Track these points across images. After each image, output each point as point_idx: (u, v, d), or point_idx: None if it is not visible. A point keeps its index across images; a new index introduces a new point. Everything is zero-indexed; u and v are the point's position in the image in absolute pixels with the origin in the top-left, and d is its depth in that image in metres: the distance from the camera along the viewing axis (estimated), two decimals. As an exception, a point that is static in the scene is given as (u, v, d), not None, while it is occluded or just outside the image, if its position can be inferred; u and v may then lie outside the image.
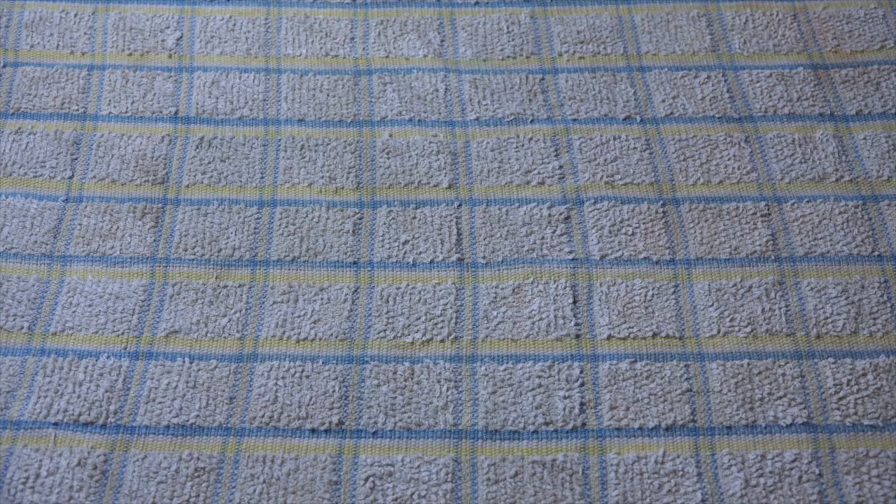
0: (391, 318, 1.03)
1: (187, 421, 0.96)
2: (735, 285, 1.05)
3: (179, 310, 1.03)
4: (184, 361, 1.00)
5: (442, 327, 1.02)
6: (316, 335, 1.02)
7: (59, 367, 0.99)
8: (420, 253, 1.08)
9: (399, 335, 1.02)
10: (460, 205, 1.11)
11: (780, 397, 0.97)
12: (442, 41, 1.25)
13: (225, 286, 1.05)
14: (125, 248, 1.08)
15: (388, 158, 1.15)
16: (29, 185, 1.12)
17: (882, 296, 1.04)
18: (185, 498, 0.91)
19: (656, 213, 1.10)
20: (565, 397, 0.98)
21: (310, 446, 0.95)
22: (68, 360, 1.00)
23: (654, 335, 1.02)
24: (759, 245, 1.08)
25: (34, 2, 1.29)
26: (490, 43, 1.25)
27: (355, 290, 1.05)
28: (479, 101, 1.20)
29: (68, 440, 0.95)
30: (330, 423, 0.96)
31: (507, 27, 1.27)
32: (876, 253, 1.07)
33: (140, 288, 1.05)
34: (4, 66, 1.23)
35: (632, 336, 1.02)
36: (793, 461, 0.93)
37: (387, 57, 1.24)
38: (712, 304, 1.03)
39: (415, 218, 1.10)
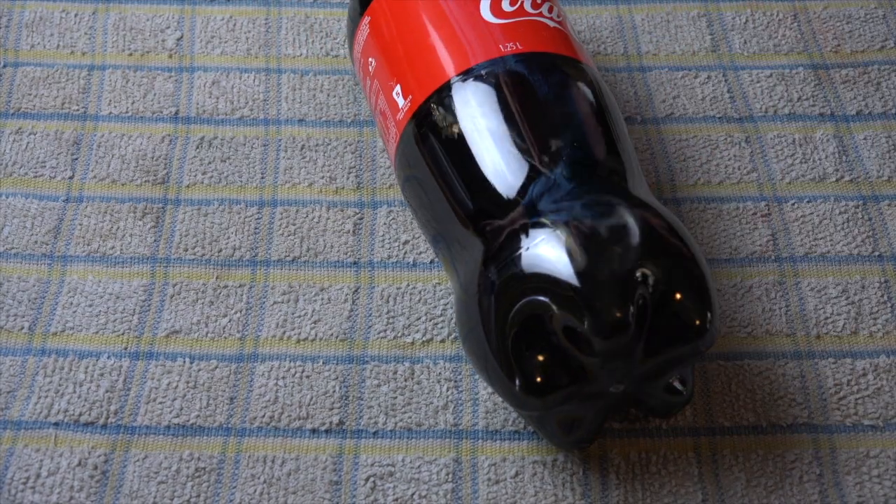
0: (391, 318, 1.03)
1: (188, 421, 0.96)
2: (735, 285, 1.05)
3: (180, 310, 1.03)
4: (184, 361, 1.00)
5: (442, 327, 1.02)
6: (316, 335, 1.02)
7: (60, 368, 0.99)
8: (420, 253, 1.08)
9: (399, 335, 1.02)
10: (460, 205, 1.11)
11: (780, 397, 0.97)
12: (442, 41, 1.25)
13: (225, 286, 1.05)
14: (125, 248, 1.08)
15: (389, 158, 1.15)
16: (29, 185, 1.12)
17: (882, 296, 1.04)
18: (185, 498, 0.91)
19: (656, 213, 1.10)
20: (566, 397, 0.98)
21: (310, 446, 0.95)
22: (69, 360, 1.00)
23: (655, 335, 1.02)
24: (759, 245, 1.08)
25: (34, 2, 1.29)
26: (490, 43, 1.25)
27: (355, 290, 1.05)
28: (479, 101, 1.20)
29: (69, 440, 0.95)
30: (330, 423, 0.96)
31: (508, 27, 1.27)
32: (876, 253, 1.07)
33: (140, 288, 1.05)
34: (4, 66, 1.23)
35: (632, 336, 1.02)
36: (793, 461, 0.93)
37: (387, 57, 1.24)
38: (712, 304, 1.03)
39: (415, 218, 1.10)
